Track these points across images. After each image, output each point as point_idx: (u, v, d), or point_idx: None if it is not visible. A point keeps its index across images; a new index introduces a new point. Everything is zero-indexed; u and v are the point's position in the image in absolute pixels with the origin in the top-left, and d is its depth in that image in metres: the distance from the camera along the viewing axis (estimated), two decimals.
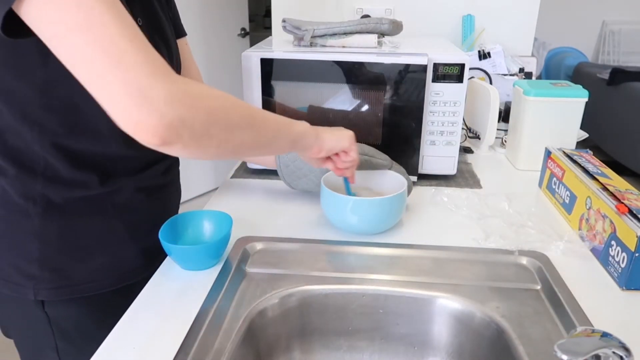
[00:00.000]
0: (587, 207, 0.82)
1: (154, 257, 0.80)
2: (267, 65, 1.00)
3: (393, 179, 0.90)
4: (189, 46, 0.96)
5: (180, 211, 0.80)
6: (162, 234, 0.74)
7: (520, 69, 1.53)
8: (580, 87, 1.11)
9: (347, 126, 1.04)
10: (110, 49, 0.47)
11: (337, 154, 0.79)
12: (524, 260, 0.78)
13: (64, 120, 0.68)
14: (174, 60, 0.83)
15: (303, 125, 0.73)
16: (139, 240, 0.81)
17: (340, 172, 0.82)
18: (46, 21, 0.48)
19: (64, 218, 0.73)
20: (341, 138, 0.77)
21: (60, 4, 0.47)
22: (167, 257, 0.78)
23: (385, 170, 0.92)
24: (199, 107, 0.52)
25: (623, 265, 0.71)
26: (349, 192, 0.86)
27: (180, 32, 0.92)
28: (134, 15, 0.70)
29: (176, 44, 0.87)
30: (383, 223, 0.84)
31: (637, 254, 0.68)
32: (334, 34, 1.05)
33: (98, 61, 0.47)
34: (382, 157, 0.93)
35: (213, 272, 0.74)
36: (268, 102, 1.03)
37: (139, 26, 0.71)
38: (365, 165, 0.89)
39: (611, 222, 0.74)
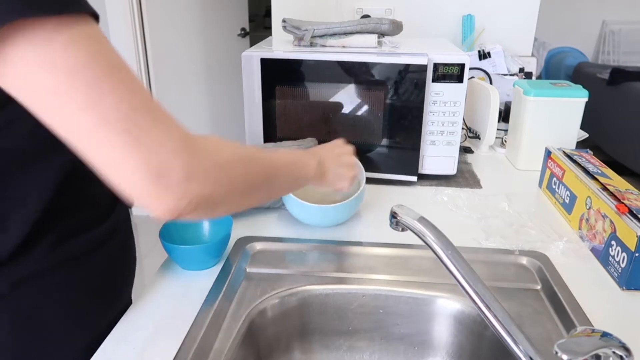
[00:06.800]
0: (587, 207, 0.82)
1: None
2: (267, 65, 1.00)
3: None
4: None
5: None
6: (162, 234, 0.74)
7: (520, 69, 1.53)
8: (580, 87, 1.11)
9: (347, 126, 1.04)
10: (127, 130, 0.42)
11: None
12: (524, 260, 0.78)
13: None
14: None
15: (311, 167, 0.69)
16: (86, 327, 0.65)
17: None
18: (37, 90, 0.40)
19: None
20: (342, 179, 0.76)
21: (59, 71, 0.39)
22: (167, 257, 0.78)
23: None
24: (220, 180, 0.49)
25: (623, 265, 0.71)
26: None
27: None
28: None
29: None
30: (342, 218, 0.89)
31: (637, 254, 0.68)
32: (334, 34, 1.05)
33: (111, 144, 0.41)
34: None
35: (213, 272, 0.74)
36: (268, 102, 1.03)
37: None
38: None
39: (611, 222, 0.74)
